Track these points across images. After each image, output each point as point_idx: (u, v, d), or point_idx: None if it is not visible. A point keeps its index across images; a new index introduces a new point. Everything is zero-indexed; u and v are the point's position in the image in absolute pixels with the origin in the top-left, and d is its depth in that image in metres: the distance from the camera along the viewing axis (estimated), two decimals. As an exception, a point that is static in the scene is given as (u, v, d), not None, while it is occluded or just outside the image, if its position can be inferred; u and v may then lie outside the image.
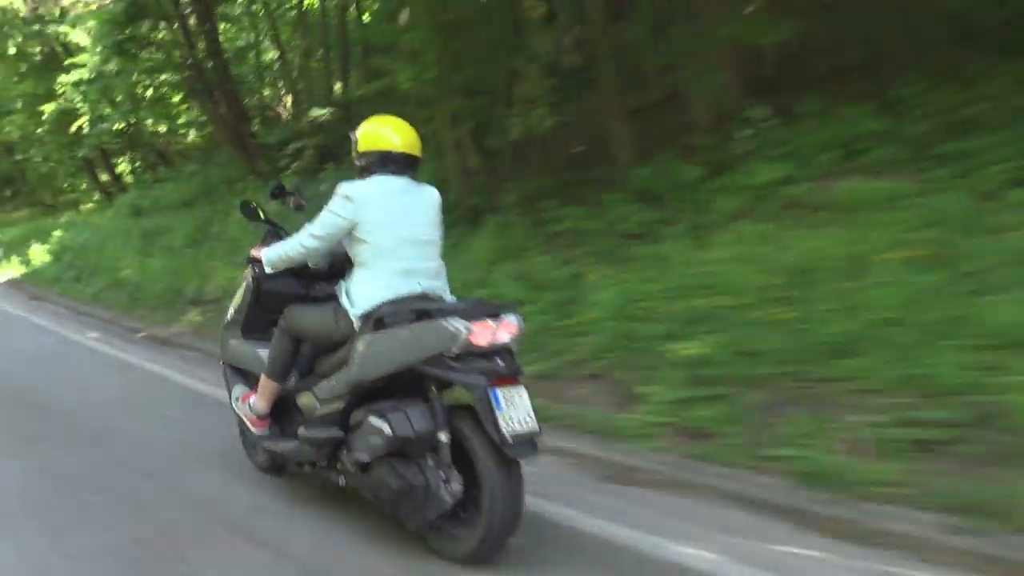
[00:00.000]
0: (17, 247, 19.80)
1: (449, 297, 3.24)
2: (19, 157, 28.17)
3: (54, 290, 13.58)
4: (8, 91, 23.41)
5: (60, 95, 17.91)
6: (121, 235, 14.23)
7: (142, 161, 20.78)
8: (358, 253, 3.15)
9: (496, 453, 2.68)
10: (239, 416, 3.71)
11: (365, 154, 3.25)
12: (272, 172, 14.02)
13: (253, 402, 3.57)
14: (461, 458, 2.81)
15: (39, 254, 16.66)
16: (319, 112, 13.89)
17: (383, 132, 3.24)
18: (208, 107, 15.41)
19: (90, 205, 23.81)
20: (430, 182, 3.43)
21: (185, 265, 10.64)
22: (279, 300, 3.52)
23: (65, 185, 26.16)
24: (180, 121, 19.11)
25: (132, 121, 16.84)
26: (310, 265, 3.56)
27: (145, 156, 20.38)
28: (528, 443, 2.71)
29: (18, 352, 8.16)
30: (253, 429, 3.62)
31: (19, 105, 25.21)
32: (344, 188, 3.12)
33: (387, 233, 3.09)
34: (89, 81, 16.40)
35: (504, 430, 2.64)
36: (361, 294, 3.07)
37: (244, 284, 3.77)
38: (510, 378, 2.78)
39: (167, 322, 9.21)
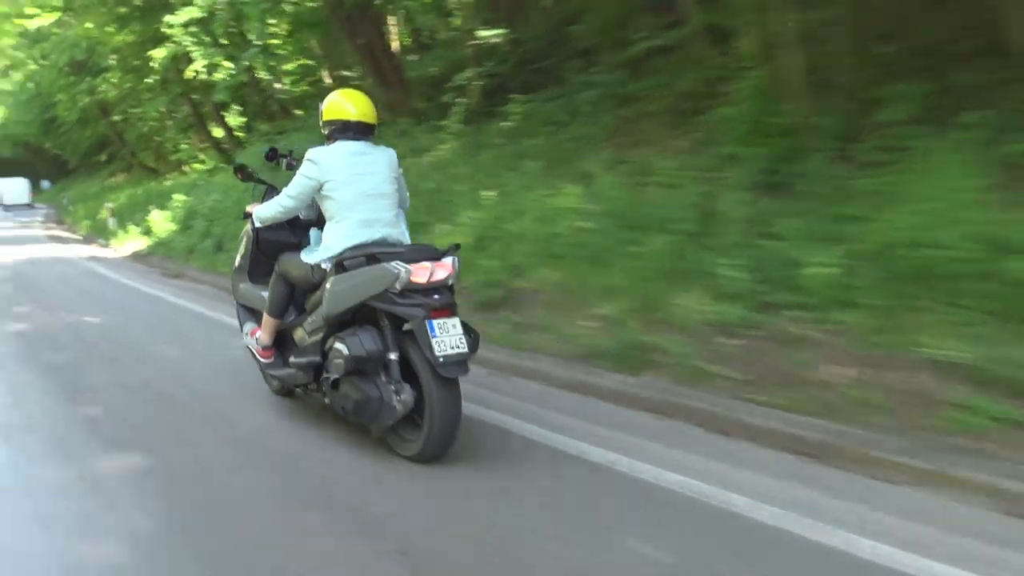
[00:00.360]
0: (131, 214, 18.12)
1: (407, 241, 3.78)
2: (116, 118, 26.57)
3: (191, 264, 11.53)
4: (104, 43, 21.57)
5: (167, 40, 15.78)
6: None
7: (255, 112, 18.62)
8: (326, 208, 3.70)
9: (434, 371, 3.21)
10: (248, 348, 4.34)
11: (329, 123, 3.78)
12: (435, 111, 11.60)
13: (259, 336, 4.17)
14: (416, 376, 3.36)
15: (161, 222, 14.73)
16: (488, 33, 11.31)
17: (343, 104, 3.75)
18: (348, 38, 12.99)
19: (201, 164, 21.94)
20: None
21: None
22: (276, 248, 4.11)
23: (169, 145, 24.34)
24: (295, 64, 16.76)
25: (257, 64, 14.52)
26: (301, 217, 4.09)
27: (265, 105, 18.20)
28: (458, 363, 3.26)
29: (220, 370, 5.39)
30: (260, 359, 4.26)
31: (113, 61, 23.54)
32: (310, 153, 3.67)
33: (347, 190, 3.60)
34: (202, 19, 14.19)
35: (437, 352, 3.20)
36: (329, 243, 3.64)
37: (245, 235, 4.39)
38: (444, 310, 3.32)
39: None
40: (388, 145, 3.89)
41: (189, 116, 19.93)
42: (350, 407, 3.45)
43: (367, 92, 4.06)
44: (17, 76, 26.80)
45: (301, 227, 4.13)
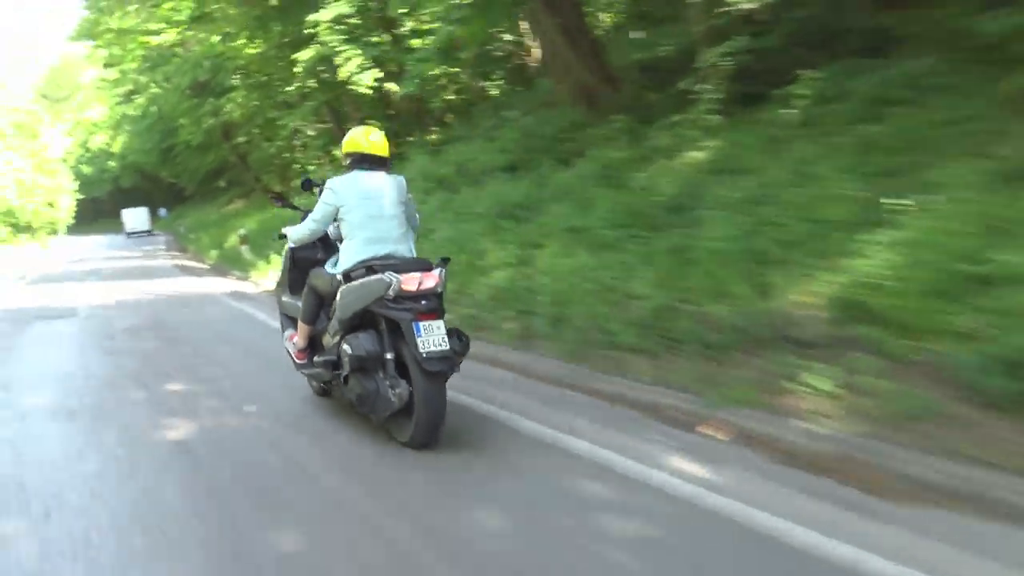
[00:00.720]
0: (266, 241, 16.29)
1: (413, 255, 4.29)
2: (242, 139, 25.23)
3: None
4: (232, 59, 20.03)
5: (310, 41, 13.78)
6: (448, 216, 9.66)
7: (407, 123, 16.48)
8: (342, 228, 4.27)
9: (420, 366, 3.72)
10: (288, 351, 4.94)
11: (348, 154, 4.37)
12: (665, 103, 8.96)
13: (296, 340, 4.76)
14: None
15: None
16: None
17: (360, 139, 4.35)
18: (539, 24, 10.56)
19: None
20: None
21: (635, 262, 5.84)
22: (308, 264, 4.74)
23: (298, 166, 22.64)
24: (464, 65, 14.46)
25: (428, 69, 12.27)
26: (330, 236, 4.59)
27: (418, 115, 16.02)
28: (440, 359, 3.74)
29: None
30: (295, 360, 4.81)
31: (237, 80, 22.06)
32: (330, 182, 4.32)
33: (358, 212, 4.17)
34: (353, 14, 12.05)
35: (422, 350, 3.72)
36: (343, 258, 4.21)
37: (284, 254, 5.11)
38: (430, 314, 3.81)
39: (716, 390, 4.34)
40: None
41: (331, 129, 17.96)
42: (355, 399, 4.04)
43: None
44: (140, 100, 25.91)
45: (331, 246, 4.69)
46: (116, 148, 65.16)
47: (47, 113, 59.11)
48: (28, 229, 44.94)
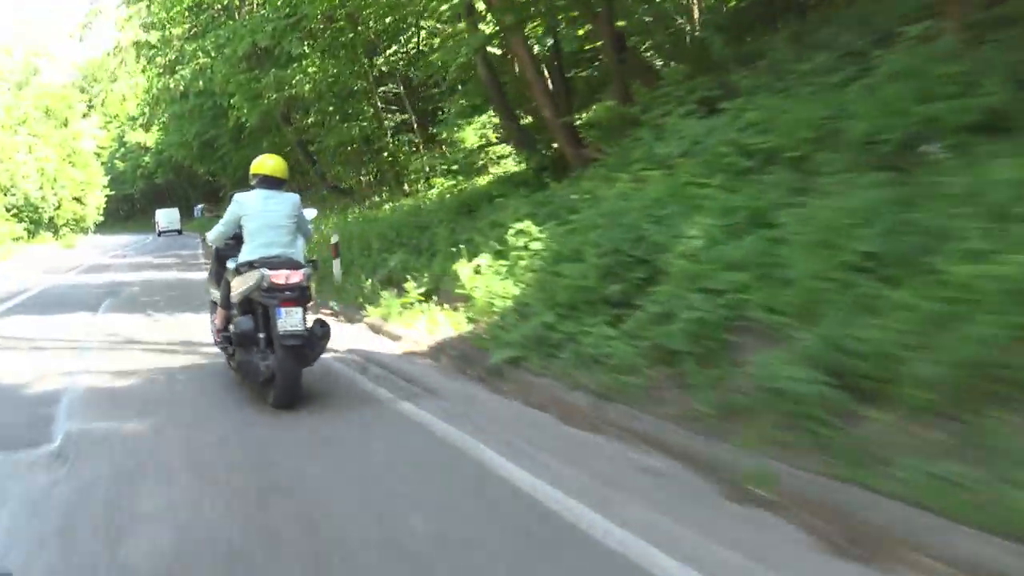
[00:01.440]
0: (369, 259, 10.90)
1: (299, 258, 5.28)
2: (311, 119, 19.84)
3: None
4: (308, 16, 14.65)
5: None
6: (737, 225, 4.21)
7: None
8: (243, 233, 5.22)
9: (280, 342, 4.75)
10: (211, 331, 6.05)
11: (253, 175, 5.38)
12: None
13: (216, 322, 5.80)
14: None
15: (495, 280, 6.95)
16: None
17: (262, 163, 5.37)
18: None
19: (445, 181, 14.55)
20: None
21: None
22: (225, 259, 5.45)
23: (389, 156, 17.12)
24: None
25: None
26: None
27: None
28: (295, 336, 4.76)
29: None
30: (215, 339, 5.92)
31: (307, 48, 16.76)
32: (236, 196, 5.33)
33: (256, 221, 5.15)
34: None
35: (280, 330, 4.74)
36: (240, 256, 5.16)
37: (212, 252, 6.04)
38: (291, 302, 4.80)
39: None
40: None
41: (484, 93, 12.24)
42: (238, 368, 5.38)
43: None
44: (184, 72, 20.67)
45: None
46: (151, 142, 60.90)
47: (81, 101, 54.48)
48: (51, 226, 40.00)
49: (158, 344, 7.54)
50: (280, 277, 4.80)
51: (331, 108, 18.10)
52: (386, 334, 7.46)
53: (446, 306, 7.36)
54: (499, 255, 7.21)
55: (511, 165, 14.22)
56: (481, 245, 7.63)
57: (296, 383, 4.83)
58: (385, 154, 16.67)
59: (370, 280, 9.49)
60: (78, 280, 16.09)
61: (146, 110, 28.16)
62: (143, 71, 24.54)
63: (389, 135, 16.66)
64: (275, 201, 5.22)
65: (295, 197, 5.39)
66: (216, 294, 5.84)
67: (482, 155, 14.50)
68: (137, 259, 23.50)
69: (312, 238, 6.12)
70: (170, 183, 67.61)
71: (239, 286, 5.10)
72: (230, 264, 5.24)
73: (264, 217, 5.12)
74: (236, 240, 5.40)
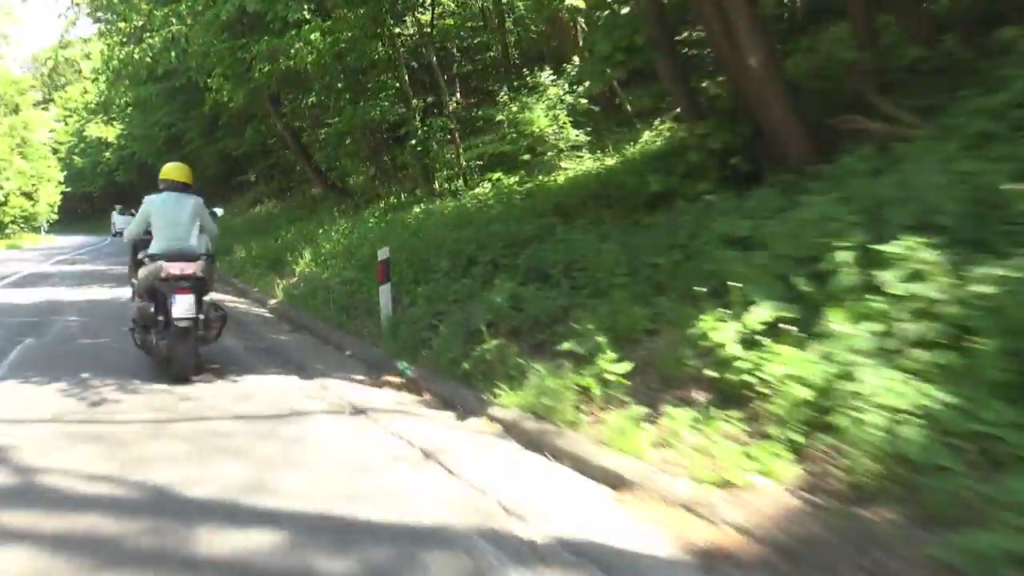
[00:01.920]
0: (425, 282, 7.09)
1: (200, 252, 6.05)
2: (311, 100, 15.85)
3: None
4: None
5: None
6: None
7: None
8: (151, 230, 6.04)
9: (174, 325, 5.57)
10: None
11: (161, 180, 6.24)
12: None
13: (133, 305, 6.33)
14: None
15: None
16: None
17: (168, 170, 6.32)
18: None
19: (507, 181, 10.71)
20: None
21: None
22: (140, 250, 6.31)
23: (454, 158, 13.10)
24: None
25: None
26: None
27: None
28: (186, 320, 5.58)
29: None
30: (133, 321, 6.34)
31: (306, 14, 12.86)
32: (146, 198, 6.13)
33: (161, 219, 5.98)
34: None
35: (174, 314, 5.54)
36: (150, 249, 5.94)
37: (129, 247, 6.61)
38: (184, 290, 5.60)
39: None
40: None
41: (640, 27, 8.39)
42: (141, 345, 5.94)
43: None
44: (154, 39, 16.61)
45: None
46: (112, 136, 55.97)
47: (35, 87, 49.48)
48: (-5, 224, 35.18)
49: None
50: (176, 268, 5.65)
51: (340, 85, 14.18)
52: (599, 478, 3.42)
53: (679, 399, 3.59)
54: (804, 306, 3.48)
55: (587, 161, 10.55)
56: (733, 286, 3.85)
57: (188, 359, 5.67)
58: (413, 142, 12.80)
59: (462, 328, 5.67)
60: None
61: (104, 88, 23.68)
62: (100, 36, 20.24)
63: (418, 119, 12.81)
64: (179, 202, 6.11)
65: (198, 199, 6.22)
66: (134, 283, 6.46)
67: (555, 143, 10.78)
68: (88, 267, 19.24)
69: (217, 235, 6.74)
70: (132, 182, 62.48)
71: (143, 275, 5.93)
72: (140, 256, 6.18)
73: (168, 216, 6.02)
74: (149, 236, 6.14)
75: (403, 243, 8.75)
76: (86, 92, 65.26)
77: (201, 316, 5.75)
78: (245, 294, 11.66)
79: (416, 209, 12.02)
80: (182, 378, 5.59)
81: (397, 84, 13.09)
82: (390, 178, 15.34)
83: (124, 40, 17.43)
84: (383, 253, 7.17)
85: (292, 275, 11.73)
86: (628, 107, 11.65)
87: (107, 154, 59.89)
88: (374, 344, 6.86)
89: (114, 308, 9.92)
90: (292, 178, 25.71)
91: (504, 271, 6.29)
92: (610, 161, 9.42)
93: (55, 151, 71.46)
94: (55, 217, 59.12)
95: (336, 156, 16.59)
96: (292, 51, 13.93)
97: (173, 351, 5.59)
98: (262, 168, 26.18)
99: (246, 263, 14.46)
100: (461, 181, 12.64)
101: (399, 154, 14.05)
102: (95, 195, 75.82)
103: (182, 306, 5.55)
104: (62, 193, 64.92)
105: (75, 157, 68.72)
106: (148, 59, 17.00)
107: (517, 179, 10.57)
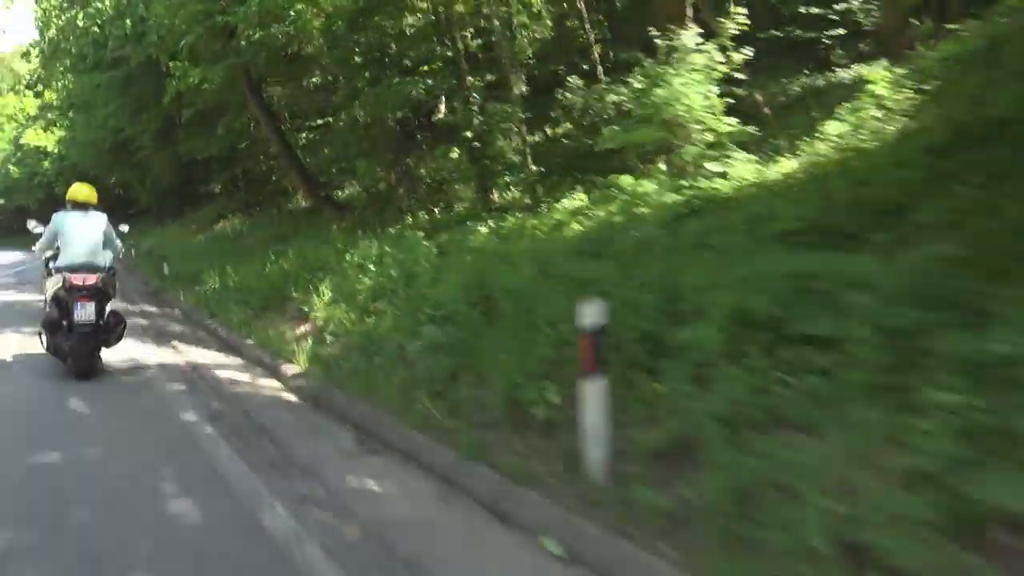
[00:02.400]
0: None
1: (106, 266, 6.61)
2: (315, 80, 11.98)
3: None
4: None
5: None
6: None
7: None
8: (59, 244, 6.50)
9: (74, 330, 6.11)
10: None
11: (68, 201, 6.76)
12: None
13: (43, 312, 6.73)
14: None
15: None
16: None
17: (74, 191, 6.83)
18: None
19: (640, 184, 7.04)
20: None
21: None
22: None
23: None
24: None
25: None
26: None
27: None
28: (86, 325, 6.12)
29: None
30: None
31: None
32: (54, 216, 6.67)
33: (69, 235, 6.45)
34: None
35: (75, 319, 6.08)
36: (57, 262, 6.44)
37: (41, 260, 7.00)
38: (85, 298, 6.15)
39: None
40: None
41: None
42: (47, 348, 6.36)
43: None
44: (104, 3, 12.58)
45: None
46: (52, 144, 50.66)
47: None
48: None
49: None
50: (78, 279, 6.20)
51: (357, 58, 10.37)
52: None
53: None
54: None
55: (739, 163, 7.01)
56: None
57: (88, 360, 6.22)
58: (468, 134, 9.06)
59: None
60: None
61: (38, 67, 19.25)
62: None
63: (475, 105, 9.10)
64: (84, 220, 6.62)
65: (103, 216, 6.76)
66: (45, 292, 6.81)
67: (706, 132, 7.16)
68: (10, 295, 14.85)
69: (120, 248, 7.13)
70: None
71: (51, 286, 6.45)
72: (50, 268, 6.64)
73: (74, 232, 6.48)
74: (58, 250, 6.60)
75: (544, 287, 5.01)
76: (25, 95, 59.77)
77: (101, 322, 6.29)
78: (236, 351, 7.70)
79: (482, 228, 8.28)
80: (84, 375, 6.18)
81: (449, 53, 9.32)
82: (416, 186, 11.53)
83: (65, 3, 13.24)
84: (590, 312, 3.39)
85: (306, 320, 7.86)
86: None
87: (45, 164, 54.60)
88: (585, 513, 3.10)
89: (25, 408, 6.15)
90: (263, 190, 21.62)
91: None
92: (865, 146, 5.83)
93: (-13, 158, 65.43)
94: (-18, 232, 53.54)
95: (340, 158, 12.68)
96: (292, 13, 10.14)
97: (75, 353, 6.14)
98: (227, 177, 22.00)
99: (224, 297, 10.45)
100: (521, 190, 9.01)
101: (442, 153, 10.24)
102: (32, 208, 69.63)
103: (83, 313, 6.13)
104: (-7, 206, 59.07)
105: (11, 167, 62.83)
106: (95, 28, 12.90)
107: (659, 184, 6.95)
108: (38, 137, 53.38)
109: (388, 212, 11.60)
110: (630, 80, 7.70)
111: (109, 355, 6.86)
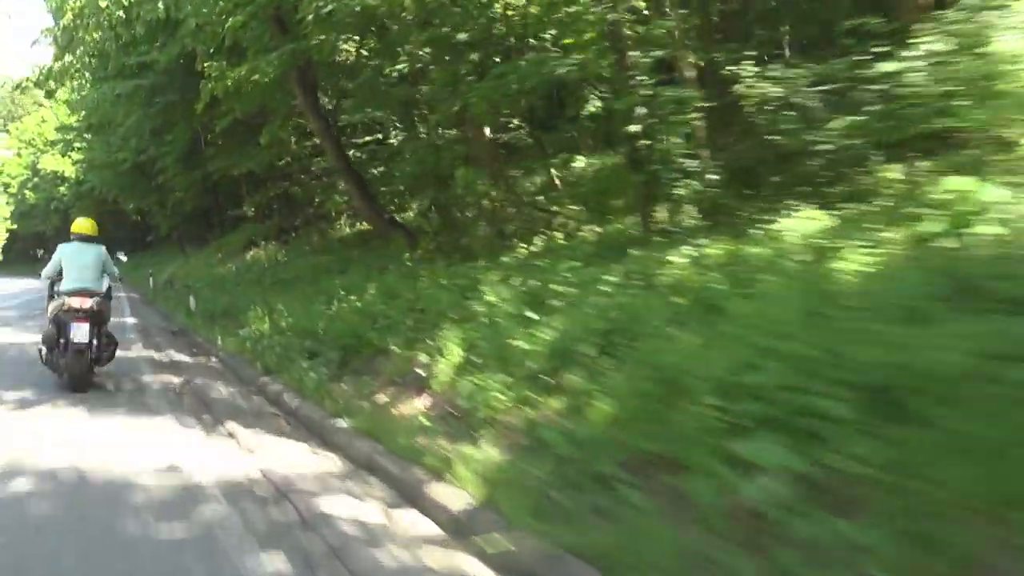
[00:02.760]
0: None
1: (103, 291, 7.15)
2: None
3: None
4: None
5: None
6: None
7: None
8: (61, 271, 7.08)
9: (69, 347, 6.60)
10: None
11: (72, 233, 7.36)
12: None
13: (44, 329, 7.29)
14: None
15: None
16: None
17: (77, 225, 7.48)
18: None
19: None
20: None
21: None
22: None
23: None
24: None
25: None
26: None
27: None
28: (79, 343, 6.56)
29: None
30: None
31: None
32: (59, 245, 7.31)
33: (69, 263, 7.04)
34: None
35: (70, 338, 6.55)
36: (60, 287, 6.99)
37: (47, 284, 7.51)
38: (82, 319, 6.62)
39: None
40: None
41: None
42: (46, 363, 6.95)
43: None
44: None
45: None
46: (70, 170, 48.70)
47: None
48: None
49: None
50: (76, 302, 6.70)
51: (463, 35, 7.78)
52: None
53: None
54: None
55: None
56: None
57: (82, 375, 6.68)
58: (633, 128, 6.43)
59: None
60: None
61: (58, 56, 17.05)
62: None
63: (641, 90, 6.49)
64: (85, 250, 7.18)
65: (102, 247, 7.34)
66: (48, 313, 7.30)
67: None
68: (7, 333, 12.22)
69: (117, 275, 7.83)
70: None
71: (52, 307, 6.93)
72: (53, 292, 7.19)
73: (75, 261, 7.06)
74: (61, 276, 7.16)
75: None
76: (44, 121, 58.03)
77: (95, 341, 6.77)
78: (327, 441, 4.96)
79: (675, 258, 5.59)
80: (77, 389, 6.61)
81: (610, 16, 6.71)
82: (520, 204, 8.90)
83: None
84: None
85: (421, 389, 5.17)
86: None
87: (62, 189, 52.73)
88: None
89: None
90: (300, 213, 19.08)
91: None
92: None
93: (6, 186, 64.02)
94: (-1, 258, 51.57)
95: (415, 173, 10.08)
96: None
97: (69, 368, 6.63)
98: (261, 199, 19.48)
99: (280, 345, 7.81)
100: (699, 205, 6.39)
101: (565, 161, 7.58)
102: (48, 234, 67.64)
103: (79, 333, 6.56)
104: (8, 231, 57.26)
105: (27, 192, 61.04)
106: (121, 9, 10.44)
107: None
108: (56, 162, 51.45)
109: (470, 237, 8.97)
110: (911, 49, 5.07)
111: (141, 466, 4.20)
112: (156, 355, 9.00)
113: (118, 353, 7.55)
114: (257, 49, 10.80)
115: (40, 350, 7.05)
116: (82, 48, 11.02)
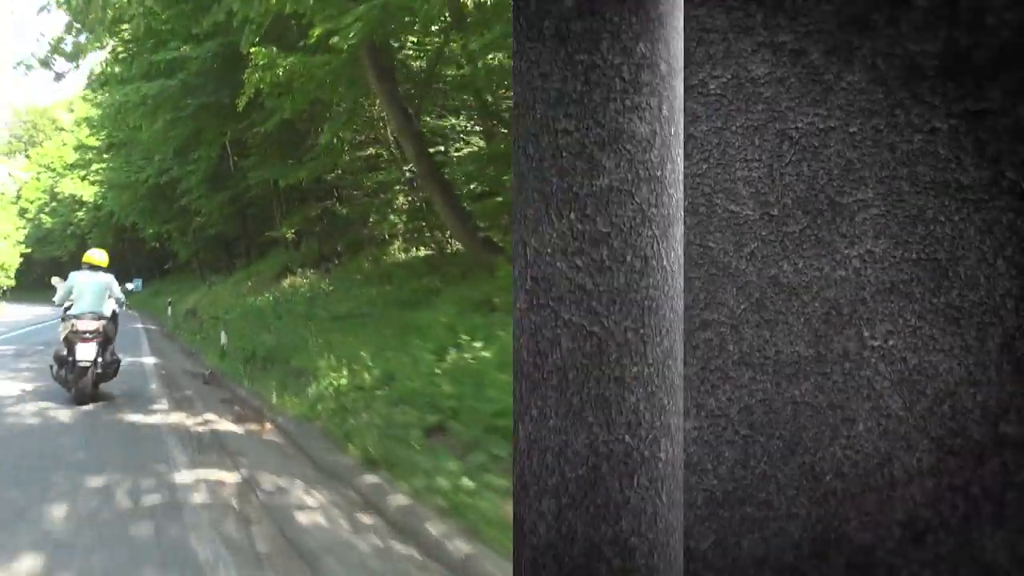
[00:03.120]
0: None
1: (107, 314, 7.74)
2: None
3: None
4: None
5: None
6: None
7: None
8: (72, 297, 7.69)
9: (75, 365, 7.17)
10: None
11: (83, 262, 8.10)
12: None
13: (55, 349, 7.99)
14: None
15: None
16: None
17: (88, 257, 8.19)
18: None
19: None
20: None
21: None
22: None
23: None
24: None
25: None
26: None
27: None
28: (84, 362, 7.12)
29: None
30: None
31: None
32: (71, 273, 8.06)
33: (80, 289, 7.70)
34: None
35: (77, 358, 7.13)
36: (71, 311, 7.55)
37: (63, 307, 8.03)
38: (87, 340, 7.20)
39: None
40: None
41: None
42: (56, 378, 7.50)
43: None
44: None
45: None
46: (88, 195, 46.65)
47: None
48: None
49: None
50: (83, 325, 7.30)
51: None
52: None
53: None
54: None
55: None
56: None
57: (86, 390, 7.18)
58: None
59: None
60: None
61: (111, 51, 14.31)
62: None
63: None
64: (94, 278, 7.88)
65: (110, 276, 8.08)
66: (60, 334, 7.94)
67: None
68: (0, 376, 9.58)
69: (124, 301, 8.58)
70: (106, 246, 52.42)
71: (63, 329, 7.51)
72: (65, 315, 7.70)
73: (85, 288, 7.71)
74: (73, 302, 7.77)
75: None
76: (64, 144, 56.44)
77: (100, 360, 7.30)
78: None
79: None
80: (81, 403, 7.15)
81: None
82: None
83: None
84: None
85: None
86: None
87: (79, 213, 50.57)
88: None
89: None
90: (344, 236, 16.46)
91: None
92: None
93: (23, 211, 62.07)
94: (10, 283, 49.40)
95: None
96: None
97: (75, 383, 7.21)
98: (302, 219, 16.90)
99: (390, 419, 5.14)
100: None
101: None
102: (64, 260, 65.60)
103: (85, 353, 7.17)
104: (23, 255, 55.22)
105: (44, 216, 59.07)
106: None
107: None
108: (75, 186, 49.37)
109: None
110: None
111: None
112: (190, 422, 6.34)
113: (138, 420, 6.64)
114: (325, 16, 8.32)
115: (51, 367, 7.73)
116: (99, 16, 8.57)
